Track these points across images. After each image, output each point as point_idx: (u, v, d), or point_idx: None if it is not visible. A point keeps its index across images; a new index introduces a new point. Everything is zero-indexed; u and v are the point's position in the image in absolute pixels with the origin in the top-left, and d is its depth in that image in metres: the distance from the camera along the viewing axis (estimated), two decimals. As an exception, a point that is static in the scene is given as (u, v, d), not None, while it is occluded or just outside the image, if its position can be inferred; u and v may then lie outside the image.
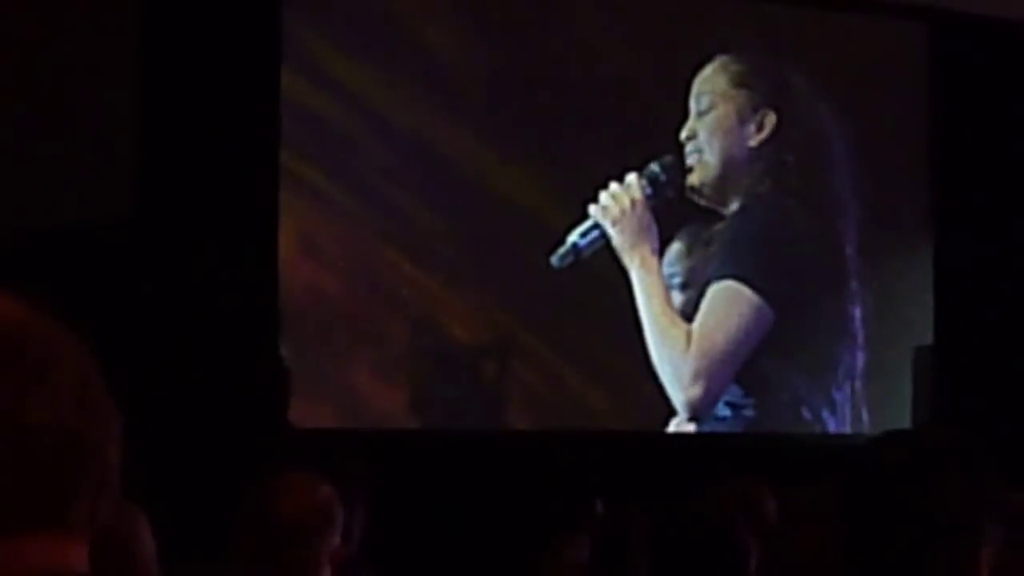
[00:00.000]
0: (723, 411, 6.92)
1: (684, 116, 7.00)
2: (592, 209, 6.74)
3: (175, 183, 6.35)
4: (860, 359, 7.21)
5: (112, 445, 1.19)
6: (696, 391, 6.81)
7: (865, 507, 2.16)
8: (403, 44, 6.84)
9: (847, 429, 7.15)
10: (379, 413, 6.75)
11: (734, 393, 6.93)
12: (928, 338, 7.48)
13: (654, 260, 6.79)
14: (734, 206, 6.98)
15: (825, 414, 7.11)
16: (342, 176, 6.73)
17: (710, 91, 7.00)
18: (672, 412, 6.87)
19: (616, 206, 6.72)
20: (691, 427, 6.88)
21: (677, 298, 6.88)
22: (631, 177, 6.79)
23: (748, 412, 6.96)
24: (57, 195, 6.04)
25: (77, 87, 6.18)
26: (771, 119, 7.05)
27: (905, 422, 7.19)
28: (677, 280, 6.88)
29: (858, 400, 7.20)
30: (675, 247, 6.90)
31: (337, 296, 6.73)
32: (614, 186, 6.76)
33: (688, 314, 6.85)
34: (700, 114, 6.98)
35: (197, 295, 6.09)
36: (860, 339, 7.23)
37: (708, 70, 7.04)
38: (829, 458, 2.29)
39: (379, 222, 6.77)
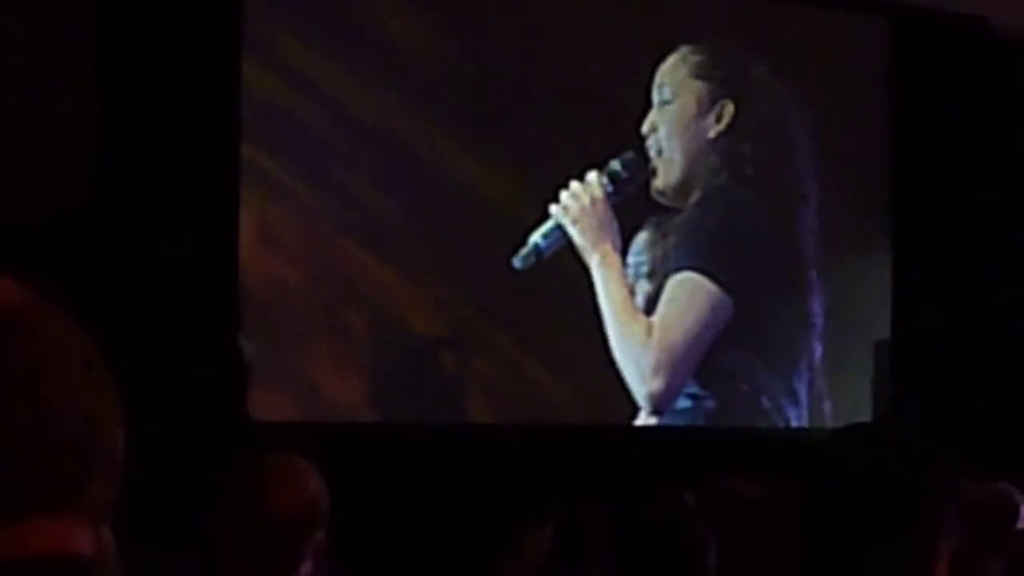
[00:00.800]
0: (683, 402, 6.93)
1: (646, 110, 7.00)
2: (553, 209, 6.74)
3: (133, 174, 6.31)
4: (819, 350, 7.23)
5: (120, 427, 1.20)
6: (657, 384, 6.82)
7: (824, 501, 2.16)
8: (366, 35, 6.82)
9: (806, 419, 7.16)
10: (338, 406, 6.72)
11: (693, 384, 6.94)
12: (886, 333, 7.50)
13: (615, 256, 6.80)
14: (693, 199, 6.99)
15: (785, 404, 7.12)
16: (303, 168, 6.71)
17: (670, 82, 7.02)
18: (635, 406, 6.87)
19: (576, 205, 6.73)
20: (653, 419, 6.89)
21: (645, 287, 6.89)
22: (591, 175, 6.79)
23: (708, 403, 6.97)
24: (13, 186, 5.99)
25: (33, 77, 6.13)
26: (729, 109, 7.07)
27: (866, 416, 7.21)
28: (644, 269, 6.89)
29: (818, 391, 7.21)
30: (642, 236, 6.91)
31: (297, 288, 6.71)
32: (575, 185, 6.77)
33: (653, 305, 6.86)
34: (661, 105, 6.99)
35: (155, 287, 6.05)
36: (819, 330, 7.24)
37: (670, 61, 7.05)
38: (792, 452, 2.29)
39: (340, 214, 6.74)
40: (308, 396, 6.68)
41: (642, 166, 6.90)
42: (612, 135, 6.96)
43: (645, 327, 6.79)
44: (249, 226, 6.58)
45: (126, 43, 6.30)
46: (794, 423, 7.13)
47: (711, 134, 7.04)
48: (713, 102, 7.08)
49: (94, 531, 1.19)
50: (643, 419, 6.89)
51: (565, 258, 6.78)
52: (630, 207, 6.88)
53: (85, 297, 6.18)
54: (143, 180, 6.30)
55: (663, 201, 6.96)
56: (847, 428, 2.36)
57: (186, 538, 3.08)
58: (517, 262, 6.71)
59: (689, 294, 6.84)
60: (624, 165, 6.84)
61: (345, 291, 6.75)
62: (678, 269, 6.86)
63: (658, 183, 6.93)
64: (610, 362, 6.82)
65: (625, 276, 6.83)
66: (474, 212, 6.88)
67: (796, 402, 7.15)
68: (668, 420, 6.91)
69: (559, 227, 6.73)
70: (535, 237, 6.73)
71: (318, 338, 6.71)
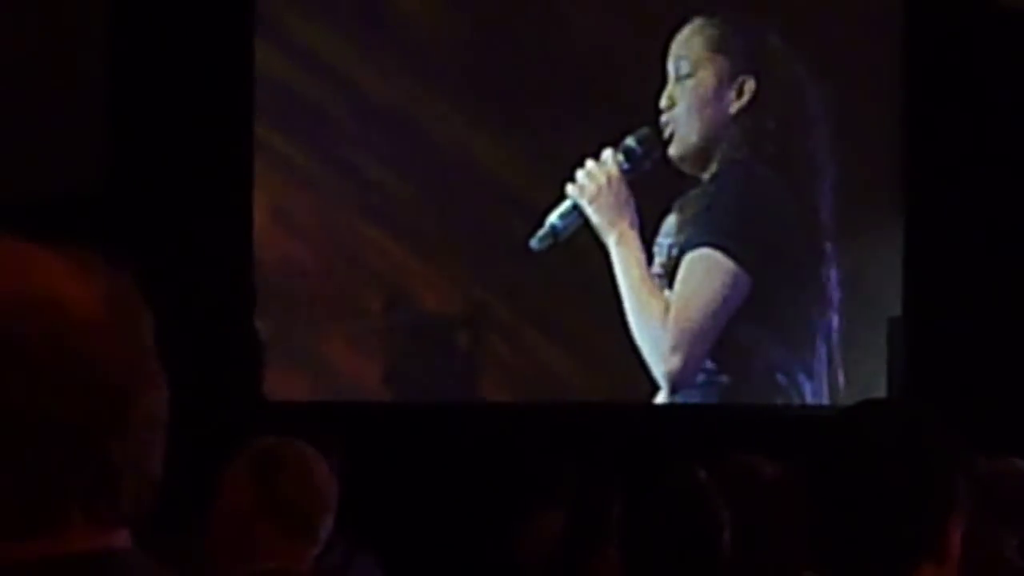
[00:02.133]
0: (698, 378, 6.90)
1: (660, 84, 6.95)
2: (569, 189, 6.71)
3: (148, 155, 6.32)
4: (835, 323, 7.18)
5: (160, 444, 1.18)
6: (675, 362, 6.79)
7: (831, 479, 2.17)
8: (378, 14, 6.81)
9: (825, 395, 7.12)
10: (353, 386, 6.73)
11: (708, 360, 6.90)
12: (898, 308, 7.46)
13: (632, 233, 6.76)
14: (709, 172, 6.94)
15: (802, 379, 7.07)
16: (316, 147, 6.71)
17: (687, 55, 6.95)
18: (653, 384, 6.85)
19: (593, 184, 6.70)
20: (665, 396, 6.86)
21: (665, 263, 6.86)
22: (607, 153, 6.75)
23: (723, 379, 6.93)
24: (27, 167, 6.00)
25: (47, 58, 6.13)
26: (750, 86, 6.99)
27: (880, 392, 7.19)
28: (676, 251, 6.84)
29: (835, 365, 7.16)
30: (671, 219, 6.86)
31: (311, 268, 6.72)
32: (590, 164, 6.73)
33: (671, 282, 6.82)
34: (678, 79, 6.93)
35: (170, 268, 6.06)
36: (836, 303, 7.19)
37: (685, 32, 6.98)
38: (808, 429, 2.29)
39: (353, 194, 6.75)
40: (323, 376, 6.70)
41: (657, 141, 6.86)
42: (626, 111, 6.92)
43: (663, 305, 6.76)
44: (262, 206, 6.59)
45: (139, 24, 6.30)
46: (810, 398, 7.10)
47: (732, 110, 6.98)
48: (733, 77, 7.00)
49: (127, 533, 1.18)
50: (660, 397, 6.87)
51: (582, 236, 6.76)
52: (647, 183, 6.84)
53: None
54: (157, 161, 6.30)
55: (680, 167, 6.90)
56: (857, 405, 2.37)
57: (200, 519, 3.09)
58: (534, 243, 6.69)
59: (707, 271, 6.80)
60: (639, 141, 6.80)
61: (359, 271, 6.76)
62: (695, 245, 6.82)
63: (673, 151, 6.87)
64: (627, 340, 6.80)
65: (643, 254, 6.79)
66: (488, 190, 6.87)
67: (812, 377, 7.12)
68: (682, 396, 6.89)
69: (576, 207, 6.70)
70: (552, 218, 6.71)
71: (332, 318, 6.72)
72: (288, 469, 2.93)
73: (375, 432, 6.32)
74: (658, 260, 6.85)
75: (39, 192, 5.90)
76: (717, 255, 6.79)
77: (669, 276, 6.84)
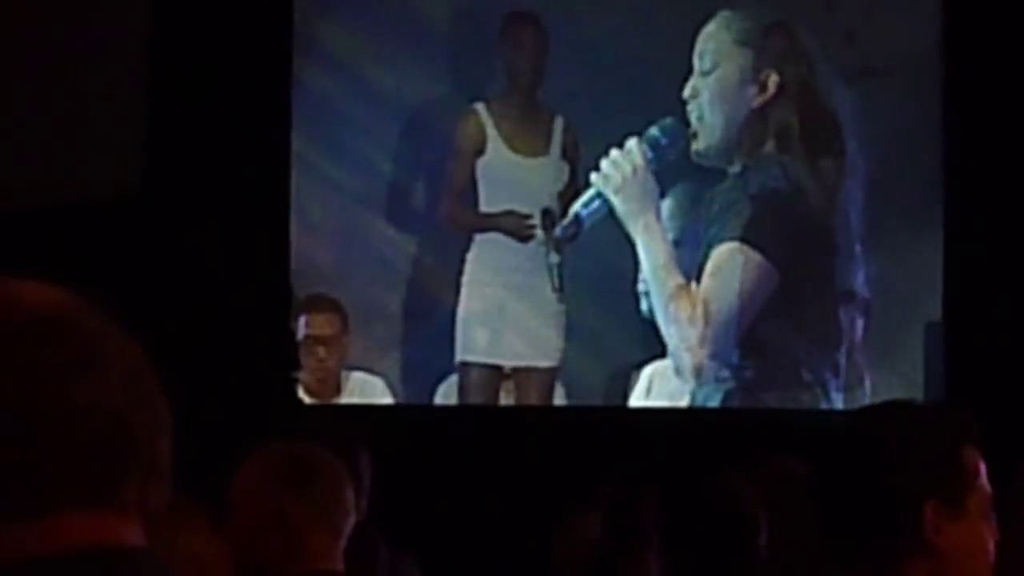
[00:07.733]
0: (722, 372, 6.87)
1: (685, 76, 6.92)
2: (594, 177, 6.69)
3: (185, 159, 6.37)
4: (861, 324, 7.12)
5: (161, 434, 1.21)
6: (704, 354, 6.76)
7: (819, 477, 2.22)
8: (400, 15, 6.95)
9: (843, 393, 7.09)
10: (379, 387, 6.81)
11: (734, 354, 6.87)
12: (937, 313, 7.41)
13: (658, 225, 6.75)
14: (736, 167, 6.91)
15: (828, 376, 7.02)
16: (339, 151, 6.83)
17: (712, 49, 6.91)
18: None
19: (618, 174, 6.67)
20: (684, 400, 6.84)
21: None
22: (631, 143, 6.72)
23: (747, 373, 6.89)
24: (66, 171, 6.05)
25: (87, 64, 6.18)
26: (774, 80, 6.95)
27: (918, 397, 7.14)
28: (670, 236, 6.82)
29: (857, 366, 7.11)
30: (666, 204, 6.85)
31: (334, 271, 6.85)
32: (615, 153, 6.71)
33: (684, 273, 6.82)
34: (703, 73, 6.89)
35: (206, 271, 6.10)
36: (863, 305, 7.14)
37: (711, 26, 6.94)
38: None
39: (374, 195, 6.84)
40: (349, 378, 6.79)
41: (682, 132, 6.82)
42: (651, 104, 6.91)
43: (691, 296, 6.73)
44: (295, 209, 6.72)
45: (179, 35, 6.39)
46: (835, 394, 7.05)
47: (755, 104, 6.94)
48: (757, 71, 6.96)
49: (139, 528, 1.19)
50: (685, 389, 6.86)
51: (606, 235, 6.76)
52: (669, 173, 6.84)
53: (135, 281, 6.21)
54: (194, 165, 6.37)
55: (704, 163, 6.89)
56: (865, 408, 2.41)
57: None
58: (558, 231, 6.70)
59: (735, 265, 6.76)
60: (663, 131, 6.75)
61: (381, 272, 6.85)
62: (722, 239, 6.79)
63: (699, 145, 6.85)
64: (647, 338, 6.81)
65: (669, 245, 6.77)
66: (513, 190, 6.94)
67: (838, 375, 7.07)
68: (705, 388, 6.85)
69: (600, 195, 6.68)
70: (576, 207, 6.69)
71: (356, 320, 6.80)
72: (320, 472, 2.98)
73: (404, 434, 6.34)
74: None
75: (77, 198, 5.94)
76: (746, 249, 6.76)
77: (697, 269, 6.84)
